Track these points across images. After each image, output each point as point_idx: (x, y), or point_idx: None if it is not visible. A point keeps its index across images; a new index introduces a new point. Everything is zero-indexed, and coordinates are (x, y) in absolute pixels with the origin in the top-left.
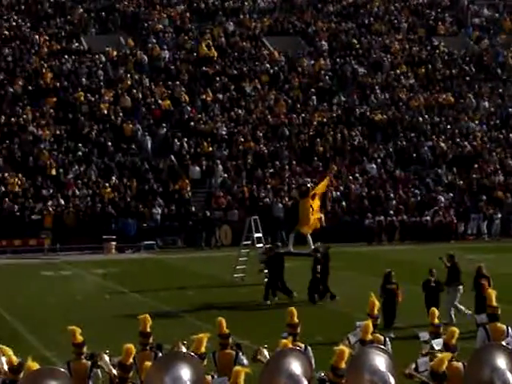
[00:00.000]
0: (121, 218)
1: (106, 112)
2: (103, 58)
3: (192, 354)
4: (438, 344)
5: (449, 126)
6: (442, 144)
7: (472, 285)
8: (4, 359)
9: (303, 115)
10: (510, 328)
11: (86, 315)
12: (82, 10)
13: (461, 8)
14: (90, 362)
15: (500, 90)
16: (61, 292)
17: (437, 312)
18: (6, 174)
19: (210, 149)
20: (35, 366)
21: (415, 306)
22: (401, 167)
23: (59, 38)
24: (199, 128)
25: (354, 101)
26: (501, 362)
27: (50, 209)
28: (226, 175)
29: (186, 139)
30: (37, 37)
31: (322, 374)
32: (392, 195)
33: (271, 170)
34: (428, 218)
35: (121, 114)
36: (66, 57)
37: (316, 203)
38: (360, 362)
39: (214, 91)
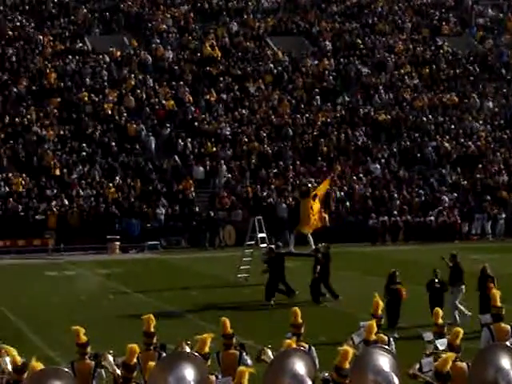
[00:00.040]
0: (125, 218)
1: (109, 112)
2: (107, 59)
3: (196, 354)
4: (441, 344)
5: (453, 126)
6: (446, 144)
7: (476, 285)
8: (8, 359)
9: (307, 115)
10: None
11: (90, 315)
12: (85, 11)
13: (465, 8)
14: (93, 362)
15: (504, 90)
16: (65, 292)
17: (441, 312)
18: (10, 174)
19: (214, 149)
20: (39, 366)
21: (419, 306)
22: (405, 167)
23: (63, 38)
24: (203, 128)
25: (358, 101)
26: (505, 362)
27: (54, 209)
28: (229, 175)
29: (189, 139)
30: (41, 37)
31: (326, 374)
32: (396, 195)
33: (275, 170)
34: (432, 218)
35: (125, 114)
36: (70, 57)
37: (316, 204)
38: (364, 362)
39: (218, 91)
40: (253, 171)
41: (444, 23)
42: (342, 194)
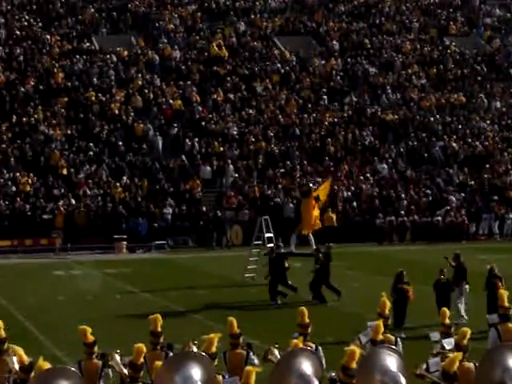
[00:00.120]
0: (132, 218)
1: (117, 112)
2: (114, 58)
3: (203, 353)
4: (448, 343)
5: (460, 126)
6: (454, 144)
7: (484, 285)
8: (15, 358)
9: (314, 115)
10: None
11: (97, 315)
12: (93, 10)
13: (472, 8)
14: (101, 362)
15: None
16: (72, 292)
17: (448, 312)
18: (18, 174)
19: (221, 149)
20: (46, 365)
21: (426, 306)
22: (412, 167)
23: (70, 37)
24: (210, 128)
25: (365, 101)
26: None
27: (61, 208)
28: (236, 175)
29: (196, 139)
30: (48, 37)
31: (333, 374)
32: (403, 195)
33: (282, 170)
34: (439, 218)
35: (132, 114)
36: (78, 57)
37: (316, 207)
38: (371, 362)
39: (225, 91)
40: (260, 171)
41: (451, 23)
42: (349, 193)
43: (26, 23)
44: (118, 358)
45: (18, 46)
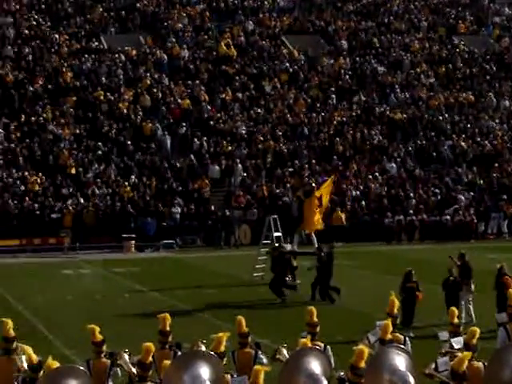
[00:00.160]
0: (140, 217)
1: (125, 111)
2: (123, 57)
3: (211, 352)
4: (457, 343)
5: (469, 125)
6: (462, 143)
7: (493, 284)
8: (24, 357)
9: (323, 114)
10: None
11: (106, 314)
12: (101, 10)
13: (481, 6)
14: (109, 361)
15: None
16: (80, 290)
17: (456, 311)
18: (26, 173)
19: (230, 148)
20: (55, 364)
21: (434, 306)
22: (420, 166)
23: (79, 37)
24: (219, 127)
25: (374, 100)
26: None
27: (70, 208)
28: (245, 174)
29: (205, 138)
30: (57, 36)
31: (342, 374)
32: (412, 194)
33: (291, 169)
34: (448, 217)
35: (140, 113)
36: (86, 56)
37: (316, 203)
38: (379, 362)
39: (234, 90)
40: (268, 170)
41: (460, 22)
42: (358, 193)
43: (34, 23)
44: (126, 357)
45: (27, 45)
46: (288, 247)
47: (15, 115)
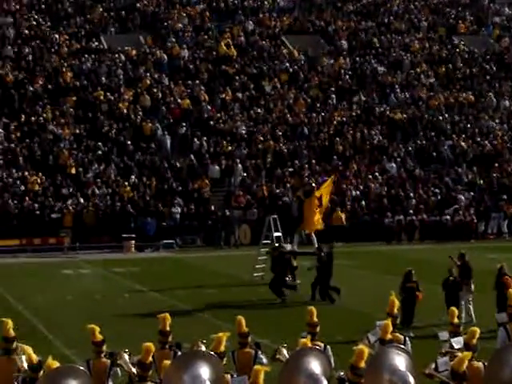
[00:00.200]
0: (140, 217)
1: (125, 111)
2: (123, 57)
3: (211, 352)
4: (456, 343)
5: (469, 125)
6: (462, 143)
7: (494, 284)
8: (24, 357)
9: (323, 114)
10: None
11: (106, 314)
12: (101, 10)
13: (481, 6)
14: (109, 361)
15: None
16: (80, 290)
17: (456, 311)
18: (26, 173)
19: (230, 148)
20: (55, 364)
21: (434, 305)
22: (420, 166)
23: (79, 37)
24: (219, 127)
25: (374, 100)
26: None
27: (70, 207)
28: (245, 174)
29: (205, 138)
30: (57, 36)
31: (342, 374)
32: (412, 194)
33: (291, 169)
34: (448, 217)
35: (140, 113)
36: (86, 56)
37: (316, 203)
38: (379, 362)
39: (234, 90)
40: (268, 170)
41: (460, 22)
42: (358, 192)
43: (34, 22)
44: (126, 356)
45: (27, 45)
46: (288, 247)
47: (15, 115)
